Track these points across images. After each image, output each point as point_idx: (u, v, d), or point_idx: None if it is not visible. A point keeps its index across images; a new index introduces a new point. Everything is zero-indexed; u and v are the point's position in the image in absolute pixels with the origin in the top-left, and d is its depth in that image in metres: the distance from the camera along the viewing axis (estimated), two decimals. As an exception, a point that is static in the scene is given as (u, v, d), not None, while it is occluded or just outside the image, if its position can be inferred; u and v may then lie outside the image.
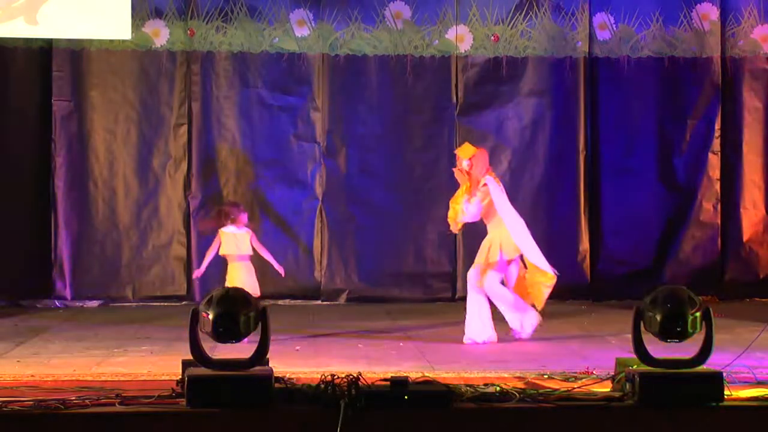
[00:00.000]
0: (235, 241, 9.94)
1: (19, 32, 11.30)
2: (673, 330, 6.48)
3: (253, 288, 9.49)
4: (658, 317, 6.50)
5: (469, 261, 11.76)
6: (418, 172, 12.27)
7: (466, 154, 9.64)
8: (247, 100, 12.24)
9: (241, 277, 9.72)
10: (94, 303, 12.05)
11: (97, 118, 12.13)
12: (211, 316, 6.37)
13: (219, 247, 10.00)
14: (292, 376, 6.76)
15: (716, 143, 12.58)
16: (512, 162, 12.41)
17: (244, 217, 10.08)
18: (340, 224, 12.27)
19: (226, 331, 6.39)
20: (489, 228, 9.63)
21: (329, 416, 6.19)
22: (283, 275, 10.28)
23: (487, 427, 6.40)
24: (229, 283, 9.68)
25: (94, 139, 12.14)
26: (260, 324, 6.52)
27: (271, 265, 10.16)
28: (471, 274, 9.62)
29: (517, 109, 12.44)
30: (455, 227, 9.85)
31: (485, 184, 9.53)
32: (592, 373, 7.38)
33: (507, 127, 12.43)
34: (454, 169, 9.77)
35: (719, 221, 12.59)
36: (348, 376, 6.37)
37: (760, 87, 12.62)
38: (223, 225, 10.02)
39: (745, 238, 12.62)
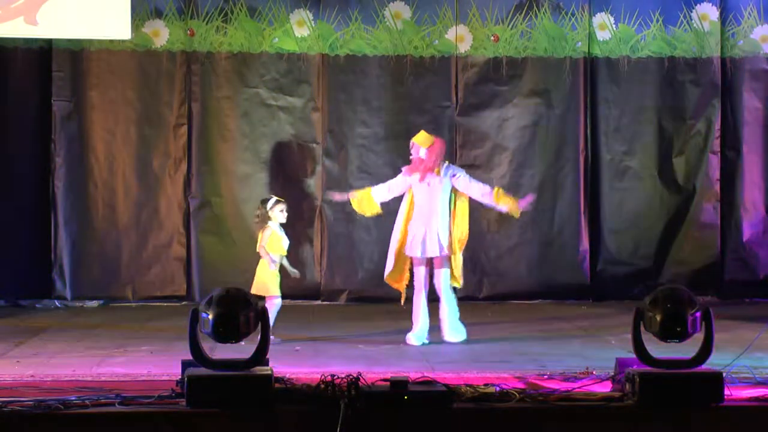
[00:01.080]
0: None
1: (19, 32, 11.30)
2: (673, 330, 6.49)
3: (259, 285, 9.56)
4: (658, 317, 6.50)
5: (470, 262, 11.80)
6: (418, 172, 12.28)
7: (425, 143, 9.61)
8: (247, 100, 12.24)
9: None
10: (94, 303, 12.05)
11: (97, 118, 12.13)
12: (211, 317, 6.37)
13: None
14: (292, 376, 6.76)
15: (716, 143, 12.58)
16: (512, 162, 12.41)
17: (273, 214, 9.86)
18: (340, 224, 12.28)
19: (226, 331, 6.39)
20: (433, 215, 9.50)
21: (329, 416, 6.20)
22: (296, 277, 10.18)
23: (487, 427, 6.40)
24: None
25: (94, 139, 12.14)
26: (260, 324, 6.52)
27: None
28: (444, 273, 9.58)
29: (517, 109, 12.44)
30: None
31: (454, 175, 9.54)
32: (592, 373, 7.39)
33: (507, 127, 12.43)
34: (413, 158, 9.61)
35: (719, 221, 12.59)
36: (348, 376, 6.38)
37: (760, 87, 12.62)
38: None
39: (745, 238, 12.62)
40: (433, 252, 9.49)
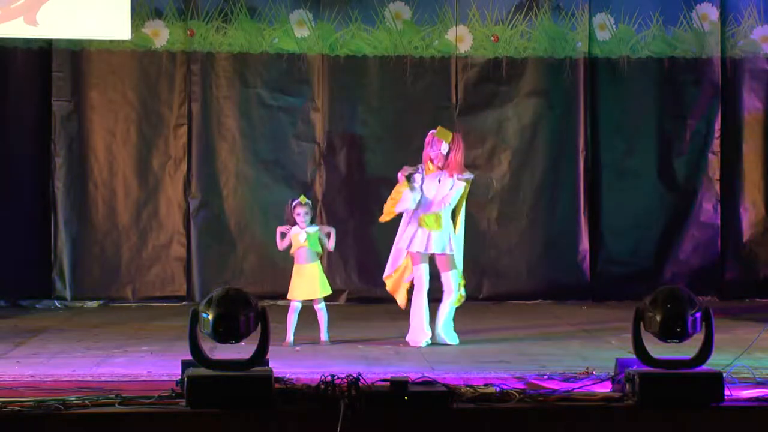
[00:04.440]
0: None
1: (19, 32, 11.29)
2: (673, 330, 6.49)
3: None
4: (658, 317, 6.50)
5: (470, 262, 11.80)
6: (418, 172, 12.27)
7: (446, 137, 9.56)
8: (247, 100, 12.24)
9: None
10: (94, 303, 12.05)
11: (97, 118, 12.13)
12: (211, 317, 6.37)
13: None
14: (292, 377, 6.76)
15: (716, 143, 12.58)
16: (512, 162, 12.41)
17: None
18: (340, 224, 12.26)
19: (226, 332, 6.39)
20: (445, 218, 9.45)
21: (329, 416, 6.20)
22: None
23: (487, 427, 6.40)
24: None
25: (94, 139, 12.14)
26: (260, 324, 6.52)
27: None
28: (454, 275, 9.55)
29: (517, 109, 12.44)
30: (387, 215, 9.57)
31: (467, 179, 9.51)
32: (592, 373, 7.39)
33: (507, 127, 12.43)
34: (431, 154, 9.44)
35: (719, 221, 12.59)
36: (348, 376, 6.38)
37: (760, 87, 12.62)
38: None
39: (745, 238, 12.62)
40: (436, 249, 9.42)
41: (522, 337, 9.76)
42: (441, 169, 9.46)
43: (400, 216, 9.63)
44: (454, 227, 9.53)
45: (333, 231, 9.69)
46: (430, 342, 9.42)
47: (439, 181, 9.47)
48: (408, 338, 9.48)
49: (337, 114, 12.30)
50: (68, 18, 11.16)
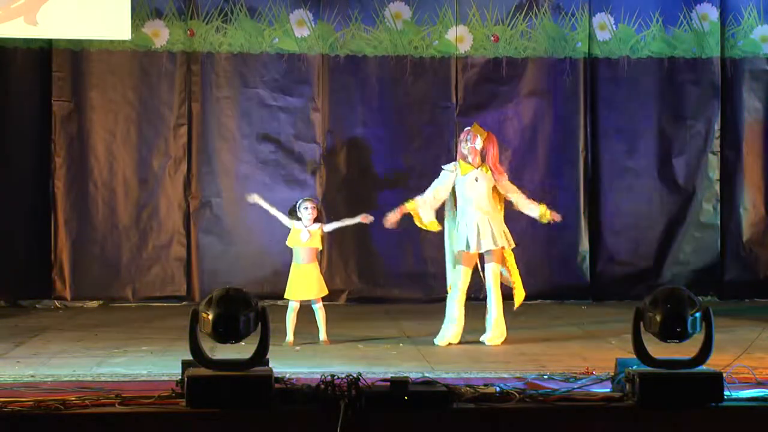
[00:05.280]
0: None
1: (19, 32, 11.29)
2: (673, 330, 6.49)
3: None
4: (658, 317, 6.50)
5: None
6: (418, 172, 12.26)
7: (481, 133, 9.57)
8: (247, 100, 12.24)
9: None
10: (94, 303, 12.05)
11: (97, 118, 12.13)
12: (211, 317, 6.37)
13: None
14: (292, 377, 6.76)
15: (716, 143, 12.59)
16: (512, 162, 12.40)
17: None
18: (340, 224, 12.27)
19: (226, 332, 6.39)
20: (482, 213, 9.44)
21: (329, 416, 6.20)
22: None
23: (487, 427, 6.40)
24: None
25: (94, 139, 12.14)
26: (260, 324, 6.52)
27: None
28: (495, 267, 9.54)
29: (517, 109, 12.44)
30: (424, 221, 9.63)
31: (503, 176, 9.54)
32: (592, 373, 7.39)
33: (507, 127, 12.43)
34: (465, 149, 9.48)
35: (719, 221, 12.59)
36: (348, 376, 6.38)
37: (759, 87, 12.62)
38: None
39: (745, 238, 12.62)
40: (489, 245, 9.43)
41: (522, 337, 9.76)
42: (476, 167, 9.45)
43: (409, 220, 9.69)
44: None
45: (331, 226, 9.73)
46: (454, 342, 9.39)
47: (477, 179, 9.46)
48: (439, 335, 9.45)
49: (337, 114, 12.30)
50: (68, 18, 11.16)
